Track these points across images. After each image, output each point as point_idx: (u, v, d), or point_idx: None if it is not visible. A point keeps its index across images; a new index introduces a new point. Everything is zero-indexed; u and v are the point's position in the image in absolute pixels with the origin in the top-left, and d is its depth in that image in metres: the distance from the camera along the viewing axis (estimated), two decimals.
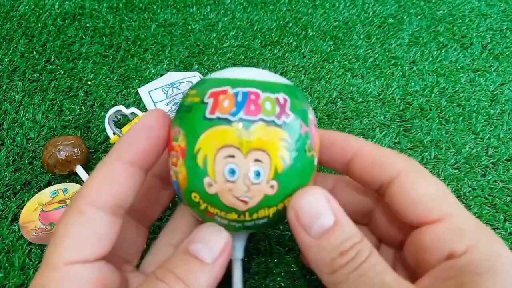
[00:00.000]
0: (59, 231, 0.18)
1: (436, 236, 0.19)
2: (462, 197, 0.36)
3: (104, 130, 0.39)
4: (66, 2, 0.53)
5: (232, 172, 0.19)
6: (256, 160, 0.19)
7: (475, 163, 0.38)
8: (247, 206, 0.19)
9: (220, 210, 0.20)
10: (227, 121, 0.19)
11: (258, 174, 0.19)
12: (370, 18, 0.53)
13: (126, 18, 0.51)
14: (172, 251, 0.23)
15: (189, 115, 0.20)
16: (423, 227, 0.19)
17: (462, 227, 0.19)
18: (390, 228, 0.23)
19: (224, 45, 0.49)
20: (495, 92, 0.45)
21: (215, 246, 0.19)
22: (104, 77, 0.44)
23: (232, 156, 0.19)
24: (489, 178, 0.37)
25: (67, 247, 0.18)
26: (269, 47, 0.49)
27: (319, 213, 0.18)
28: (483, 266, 0.17)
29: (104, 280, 0.19)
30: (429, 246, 0.19)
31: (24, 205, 0.34)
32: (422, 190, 0.20)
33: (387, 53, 0.49)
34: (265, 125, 0.19)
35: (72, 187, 0.35)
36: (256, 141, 0.19)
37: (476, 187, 0.37)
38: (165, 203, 0.26)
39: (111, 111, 0.38)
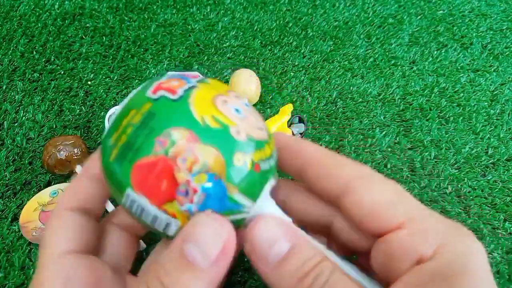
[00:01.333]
0: (44, 235, 0.21)
1: (401, 243, 0.17)
2: (462, 197, 0.36)
3: (104, 130, 0.39)
4: (66, 2, 0.53)
5: (237, 110, 0.19)
6: (236, 97, 0.21)
7: (475, 163, 0.38)
8: (266, 133, 0.20)
9: (260, 152, 0.19)
10: (193, 87, 0.20)
11: (247, 104, 0.20)
12: (370, 18, 0.53)
13: (126, 18, 0.51)
14: None
15: (157, 118, 0.18)
16: (386, 235, 0.18)
17: (426, 229, 0.17)
18: (352, 237, 0.21)
19: (224, 45, 0.49)
20: (495, 92, 0.45)
21: (212, 248, 0.17)
22: (104, 77, 0.44)
23: (225, 101, 0.19)
24: (489, 178, 0.37)
25: (51, 243, 0.20)
26: (269, 47, 0.49)
27: (272, 242, 0.18)
28: (454, 268, 0.16)
29: (94, 270, 0.20)
30: (395, 254, 0.17)
31: (24, 205, 0.34)
32: (375, 196, 0.18)
33: (387, 53, 0.49)
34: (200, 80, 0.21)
35: None
36: (218, 85, 0.21)
37: (476, 187, 0.36)
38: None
39: (111, 111, 0.38)
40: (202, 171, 0.17)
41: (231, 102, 0.20)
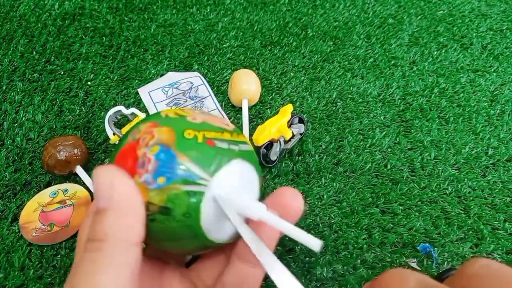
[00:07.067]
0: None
1: None
2: (462, 198, 0.36)
3: (104, 130, 0.39)
4: (66, 2, 0.53)
5: (202, 112, 0.23)
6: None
7: (475, 164, 0.38)
8: (232, 127, 0.23)
9: (216, 132, 0.22)
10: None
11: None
12: (370, 19, 0.53)
13: (126, 18, 0.51)
14: (220, 259, 0.25)
15: (138, 123, 0.23)
16: None
17: None
18: None
19: (224, 45, 0.49)
20: (495, 93, 0.45)
21: (105, 191, 0.19)
22: (104, 77, 0.44)
23: (193, 109, 0.23)
24: (489, 178, 0.37)
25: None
26: (269, 47, 0.49)
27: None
28: None
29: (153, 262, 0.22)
30: None
31: (24, 205, 0.34)
32: None
33: (387, 54, 0.49)
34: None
35: (72, 187, 0.35)
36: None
37: (476, 188, 0.36)
38: None
39: (111, 111, 0.38)
40: (155, 144, 0.20)
41: (199, 110, 0.23)
